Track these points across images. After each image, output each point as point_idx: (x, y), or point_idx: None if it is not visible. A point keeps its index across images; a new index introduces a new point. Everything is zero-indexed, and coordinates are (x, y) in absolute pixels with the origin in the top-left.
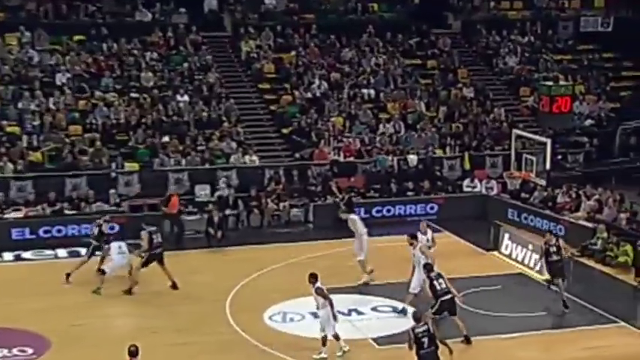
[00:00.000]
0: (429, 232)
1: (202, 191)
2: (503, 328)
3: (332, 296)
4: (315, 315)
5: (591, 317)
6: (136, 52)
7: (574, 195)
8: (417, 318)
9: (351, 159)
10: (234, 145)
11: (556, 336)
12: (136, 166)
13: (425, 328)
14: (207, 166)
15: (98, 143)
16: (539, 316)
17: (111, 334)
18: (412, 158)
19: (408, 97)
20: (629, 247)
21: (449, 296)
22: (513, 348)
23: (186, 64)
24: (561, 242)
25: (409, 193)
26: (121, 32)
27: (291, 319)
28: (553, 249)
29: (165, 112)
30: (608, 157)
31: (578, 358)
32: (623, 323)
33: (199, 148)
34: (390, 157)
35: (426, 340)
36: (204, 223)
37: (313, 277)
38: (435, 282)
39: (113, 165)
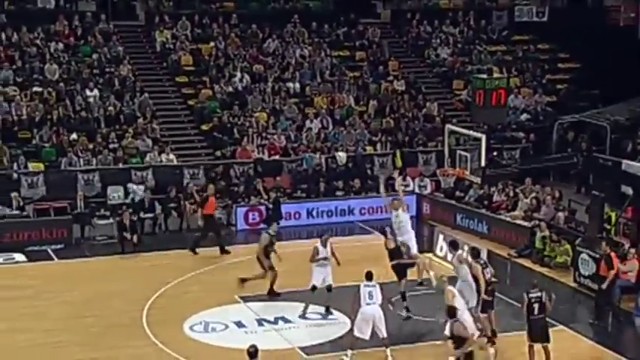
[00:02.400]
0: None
1: (115, 193)
2: (437, 333)
3: (257, 304)
4: (238, 324)
5: None
6: (38, 42)
7: (511, 193)
8: (533, 284)
9: (277, 157)
10: (149, 142)
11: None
12: (41, 166)
13: (538, 294)
14: (120, 165)
15: None
16: None
17: (5, 352)
18: (341, 156)
19: (335, 90)
20: (568, 247)
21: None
22: (447, 355)
23: (95, 56)
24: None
25: (338, 193)
26: (22, 20)
27: (214, 329)
28: (536, 304)
29: (73, 108)
30: (545, 153)
31: None
32: (561, 327)
33: (111, 146)
34: (317, 155)
35: (537, 306)
36: (117, 227)
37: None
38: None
39: (15, 165)
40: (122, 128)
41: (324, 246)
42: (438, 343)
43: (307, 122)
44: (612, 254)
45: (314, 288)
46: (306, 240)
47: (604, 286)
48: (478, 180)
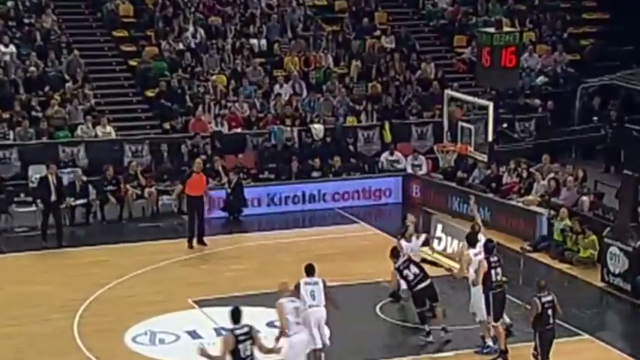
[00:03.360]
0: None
1: (38, 174)
2: (438, 345)
3: (215, 310)
4: (192, 334)
5: None
6: None
7: (524, 174)
8: (541, 286)
9: (238, 130)
10: (81, 112)
11: None
12: None
13: (551, 298)
14: (44, 140)
15: None
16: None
17: None
18: (317, 129)
19: (310, 48)
20: (594, 239)
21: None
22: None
23: (10, 3)
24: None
25: (314, 174)
26: None
27: (162, 341)
28: (550, 311)
29: None
30: (566, 125)
31: None
32: (587, 336)
33: (34, 115)
34: (288, 128)
35: (550, 312)
36: (41, 216)
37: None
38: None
39: None
40: (46, 94)
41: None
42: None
43: (276, 87)
44: None
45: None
46: (276, 231)
47: None
48: (484, 158)
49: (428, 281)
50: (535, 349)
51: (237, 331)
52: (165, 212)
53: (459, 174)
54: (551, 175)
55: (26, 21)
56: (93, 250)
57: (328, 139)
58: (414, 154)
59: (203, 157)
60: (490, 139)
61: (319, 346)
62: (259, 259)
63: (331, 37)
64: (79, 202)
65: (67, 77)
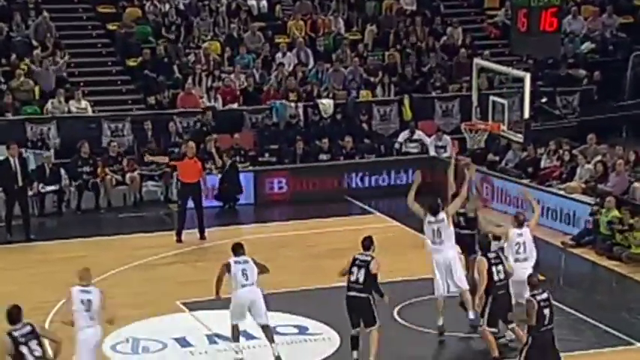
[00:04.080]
0: None
1: (0, 155)
2: (464, 354)
3: (207, 313)
4: (181, 342)
5: (592, 336)
6: None
7: (566, 156)
8: (534, 283)
9: (235, 106)
10: (52, 83)
11: None
12: None
13: (546, 296)
14: (9, 116)
15: None
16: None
17: None
18: (326, 104)
19: (317, 10)
20: None
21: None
22: None
23: None
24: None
25: (322, 157)
26: None
27: (146, 349)
28: (547, 310)
29: None
30: (615, 100)
31: None
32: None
33: None
34: (292, 104)
35: (547, 312)
36: (5, 206)
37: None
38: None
39: None
40: (12, 63)
41: None
42: None
43: (278, 56)
44: None
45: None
46: (277, 222)
47: None
48: (520, 138)
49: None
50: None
51: (16, 333)
52: (149, 200)
53: (490, 157)
54: (598, 157)
55: None
56: (66, 244)
57: (338, 117)
58: (438, 134)
59: (215, 135)
60: (526, 116)
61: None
62: (259, 254)
63: None
64: (49, 188)
65: (35, 43)
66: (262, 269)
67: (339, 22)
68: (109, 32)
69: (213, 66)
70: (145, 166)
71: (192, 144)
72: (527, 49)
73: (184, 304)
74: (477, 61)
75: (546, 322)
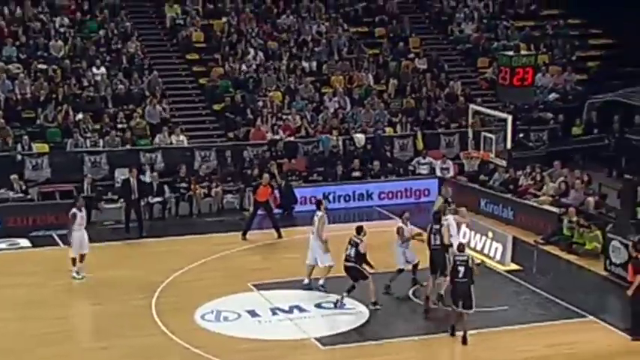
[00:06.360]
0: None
1: (123, 176)
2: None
3: (271, 292)
4: (252, 313)
5: (556, 311)
6: (43, 17)
7: (538, 177)
8: (460, 249)
9: (292, 139)
10: (157, 116)
11: (517, 332)
12: (45, 147)
13: (464, 258)
14: (128, 147)
15: (1, 121)
16: (499, 311)
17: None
18: (359, 137)
19: (353, 69)
20: (598, 233)
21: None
22: (472, 346)
23: (102, 32)
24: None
25: (355, 174)
26: None
27: (226, 318)
28: (461, 267)
29: (79, 86)
30: (574, 135)
31: (541, 356)
32: (591, 317)
33: (119, 126)
34: (334, 137)
35: (462, 269)
36: (125, 212)
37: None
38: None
39: (19, 146)
40: (130, 108)
41: (407, 225)
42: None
43: (324, 102)
44: None
45: (400, 271)
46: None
47: (630, 292)
48: (503, 163)
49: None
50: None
51: None
52: (228, 209)
53: (482, 177)
54: (562, 178)
55: (114, 47)
56: (168, 240)
57: (369, 147)
58: (443, 159)
59: (272, 161)
60: (509, 146)
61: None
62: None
63: (372, 59)
64: (156, 199)
65: (147, 94)
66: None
67: (369, 77)
68: (201, 85)
69: (276, 109)
70: (226, 183)
71: (266, 175)
72: (509, 97)
73: (254, 285)
74: (471, 106)
75: (460, 276)
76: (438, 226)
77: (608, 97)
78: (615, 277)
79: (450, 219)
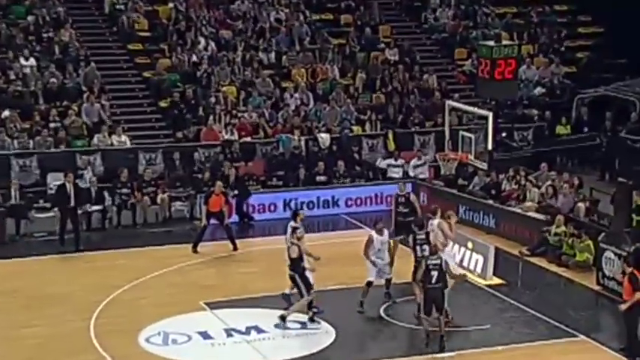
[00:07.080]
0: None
1: (57, 181)
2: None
3: (225, 311)
4: (204, 335)
5: (543, 330)
6: None
7: (522, 181)
8: (431, 251)
9: (248, 139)
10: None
11: (500, 354)
12: None
13: (437, 261)
14: (62, 148)
15: None
16: (480, 331)
17: None
18: (323, 137)
19: (317, 60)
20: (590, 243)
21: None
22: None
23: (31, 18)
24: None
25: (319, 178)
26: None
27: (174, 341)
28: (434, 272)
29: (5, 80)
30: (562, 134)
31: None
32: (582, 337)
33: (52, 125)
34: (295, 137)
35: (435, 274)
36: (59, 222)
37: None
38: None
39: None
40: (64, 105)
41: (381, 235)
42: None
43: (284, 97)
44: (638, 273)
45: (369, 284)
46: (282, 236)
47: (623, 307)
48: (484, 166)
49: None
50: (418, 309)
51: None
52: (177, 218)
53: (460, 181)
54: (549, 182)
55: (45, 35)
56: (108, 253)
57: (334, 148)
58: (417, 154)
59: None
60: (490, 147)
61: None
62: (267, 263)
63: (337, 50)
64: (95, 208)
65: (84, 89)
66: None
67: (334, 69)
68: (145, 79)
69: (230, 106)
70: (174, 189)
71: (219, 183)
72: (490, 92)
73: (206, 303)
74: (448, 102)
75: (433, 282)
76: (423, 236)
77: (600, 91)
78: (609, 291)
79: (434, 224)
